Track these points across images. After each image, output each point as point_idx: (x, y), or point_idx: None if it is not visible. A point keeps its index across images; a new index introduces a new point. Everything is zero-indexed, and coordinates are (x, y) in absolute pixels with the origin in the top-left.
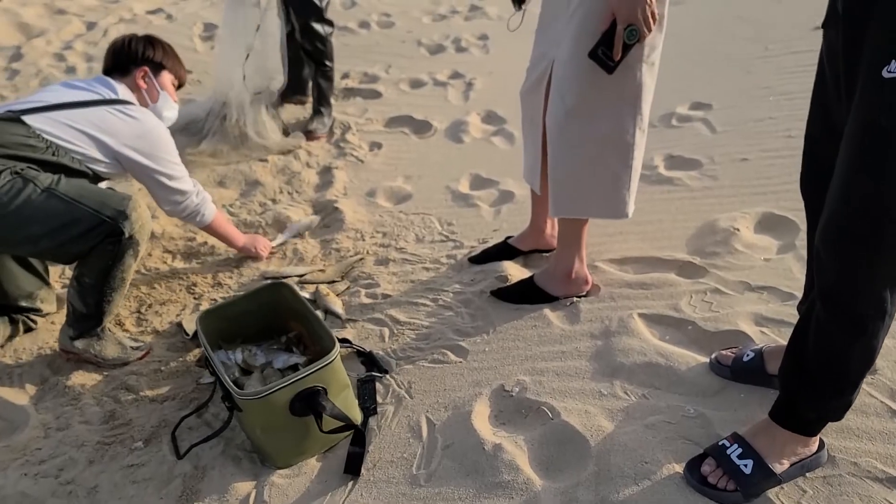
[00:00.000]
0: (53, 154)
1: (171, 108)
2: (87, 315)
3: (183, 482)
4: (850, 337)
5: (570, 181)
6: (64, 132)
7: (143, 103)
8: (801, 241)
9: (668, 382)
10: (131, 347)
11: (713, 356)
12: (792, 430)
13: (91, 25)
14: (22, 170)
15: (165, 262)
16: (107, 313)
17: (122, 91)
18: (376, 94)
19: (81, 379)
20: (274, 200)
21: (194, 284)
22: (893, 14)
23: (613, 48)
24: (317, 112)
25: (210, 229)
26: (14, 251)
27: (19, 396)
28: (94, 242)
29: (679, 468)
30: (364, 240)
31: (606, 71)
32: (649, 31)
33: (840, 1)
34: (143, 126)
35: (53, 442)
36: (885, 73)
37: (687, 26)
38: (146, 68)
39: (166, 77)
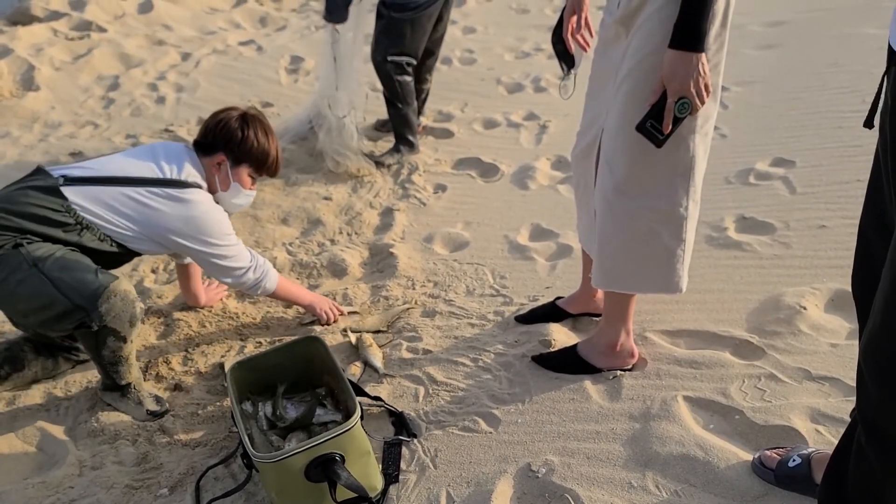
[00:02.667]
0: (79, 234)
1: (242, 197)
2: (104, 376)
3: None
4: (891, 467)
5: (621, 256)
6: (103, 209)
7: (213, 188)
8: None
9: (704, 480)
10: (147, 411)
11: (756, 456)
12: None
13: (186, 56)
14: (28, 242)
15: (220, 301)
16: (119, 380)
17: (189, 171)
18: (448, 134)
19: (121, 417)
20: (332, 241)
21: (243, 326)
22: None
23: (663, 121)
24: (393, 146)
25: (276, 297)
26: (20, 322)
27: (62, 431)
28: (70, 327)
29: None
30: (414, 288)
31: (655, 144)
32: (702, 103)
33: (889, 96)
34: (189, 210)
35: (86, 481)
36: None
37: (776, 73)
38: (224, 157)
39: (244, 170)
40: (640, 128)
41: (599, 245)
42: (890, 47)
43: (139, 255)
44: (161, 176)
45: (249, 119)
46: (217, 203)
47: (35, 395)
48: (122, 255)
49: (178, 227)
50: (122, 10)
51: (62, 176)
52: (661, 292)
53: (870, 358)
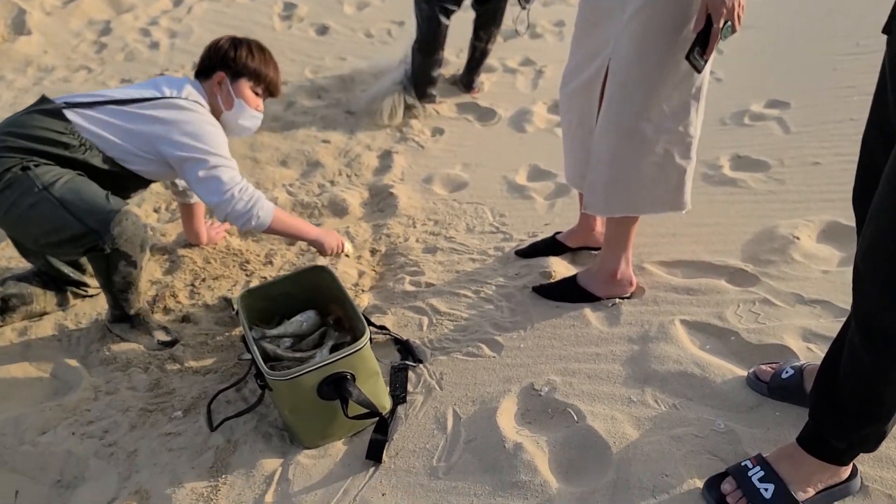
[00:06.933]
0: (84, 153)
1: (248, 118)
2: (113, 306)
3: (215, 454)
4: (886, 365)
5: (636, 180)
6: (103, 129)
7: (217, 109)
8: None
9: (701, 394)
10: (158, 341)
11: (751, 370)
12: (820, 458)
13: (178, 2)
14: (35, 164)
15: (224, 238)
16: (128, 309)
17: (189, 91)
18: (445, 80)
19: (132, 347)
20: (332, 182)
21: (247, 261)
22: None
23: (708, 47)
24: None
25: (274, 231)
26: (30, 246)
27: (75, 360)
28: (82, 250)
29: (700, 484)
30: (415, 226)
31: (697, 71)
32: (740, 23)
33: None
34: (184, 115)
35: (101, 405)
36: None
37: (773, 19)
38: (223, 74)
39: (244, 84)
40: (689, 56)
41: (612, 175)
42: None
43: (143, 182)
44: (161, 95)
45: (240, 38)
46: (223, 127)
47: (46, 326)
48: (125, 179)
49: (170, 133)
50: None
51: (65, 102)
52: (670, 210)
53: (868, 260)
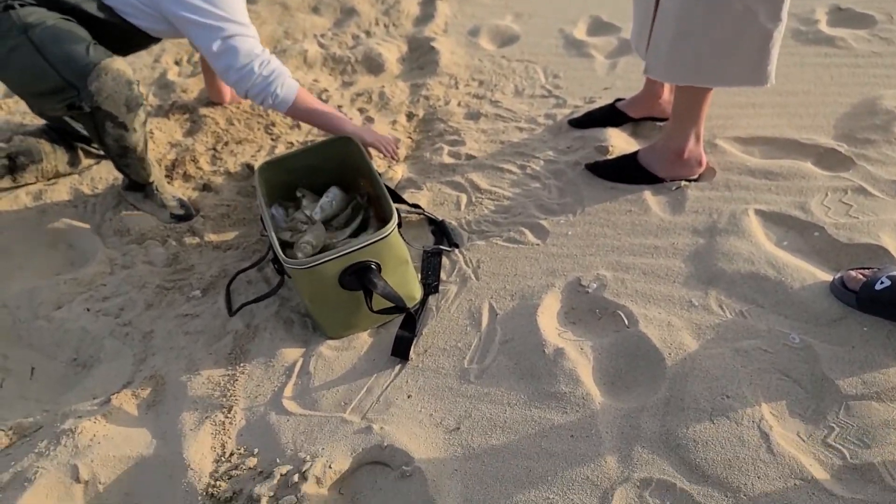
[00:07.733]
0: None
1: None
2: (121, 172)
3: (234, 340)
4: None
5: (706, 43)
6: None
7: None
8: None
9: (774, 301)
10: (172, 214)
11: (837, 276)
12: None
13: None
14: (21, 3)
15: None
16: (135, 178)
17: None
18: None
19: (149, 217)
20: (368, 33)
21: (273, 124)
22: None
23: None
24: None
25: (296, 115)
26: (19, 96)
27: (90, 229)
28: (62, 106)
29: (768, 408)
30: (458, 87)
31: None
32: None
33: None
34: None
35: (117, 280)
36: None
37: None
38: None
39: None
40: None
41: (678, 30)
42: None
43: (148, 38)
44: None
45: None
46: None
47: (61, 190)
48: (126, 33)
49: None
50: None
51: None
52: (748, 85)
53: None
